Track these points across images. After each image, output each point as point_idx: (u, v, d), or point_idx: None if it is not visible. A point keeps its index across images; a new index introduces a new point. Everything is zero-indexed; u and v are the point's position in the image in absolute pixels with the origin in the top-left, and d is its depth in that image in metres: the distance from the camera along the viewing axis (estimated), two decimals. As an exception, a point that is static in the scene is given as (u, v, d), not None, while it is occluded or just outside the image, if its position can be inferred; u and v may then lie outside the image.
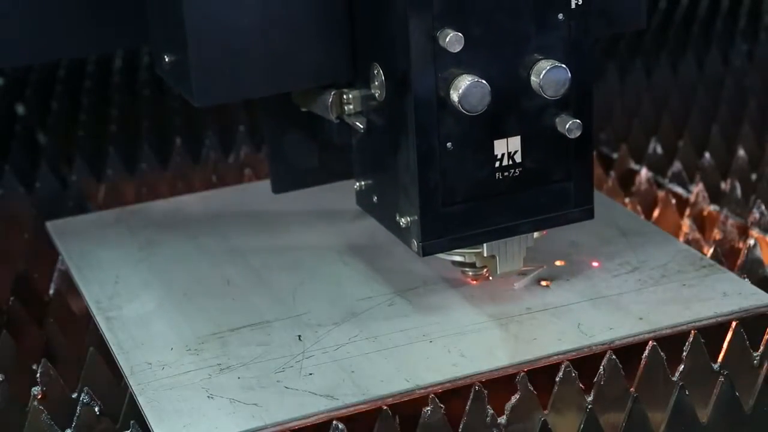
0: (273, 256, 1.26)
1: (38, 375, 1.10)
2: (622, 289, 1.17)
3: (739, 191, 1.38)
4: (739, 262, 1.25)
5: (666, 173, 1.46)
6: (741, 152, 1.46)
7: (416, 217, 1.07)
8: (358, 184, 1.17)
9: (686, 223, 1.32)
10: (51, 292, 1.25)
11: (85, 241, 1.31)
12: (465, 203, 1.08)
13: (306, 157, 1.23)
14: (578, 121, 1.06)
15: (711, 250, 1.25)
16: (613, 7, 1.16)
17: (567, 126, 1.06)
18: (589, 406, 1.03)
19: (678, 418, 1.04)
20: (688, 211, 1.37)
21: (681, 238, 1.30)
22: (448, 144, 1.05)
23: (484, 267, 1.16)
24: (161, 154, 1.54)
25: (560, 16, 1.05)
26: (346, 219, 1.32)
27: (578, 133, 1.07)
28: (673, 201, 1.37)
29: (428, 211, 1.06)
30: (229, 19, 1.05)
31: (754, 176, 1.45)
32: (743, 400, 1.06)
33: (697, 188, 1.39)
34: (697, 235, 1.30)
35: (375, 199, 1.14)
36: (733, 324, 1.11)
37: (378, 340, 1.11)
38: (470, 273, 1.17)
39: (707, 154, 1.47)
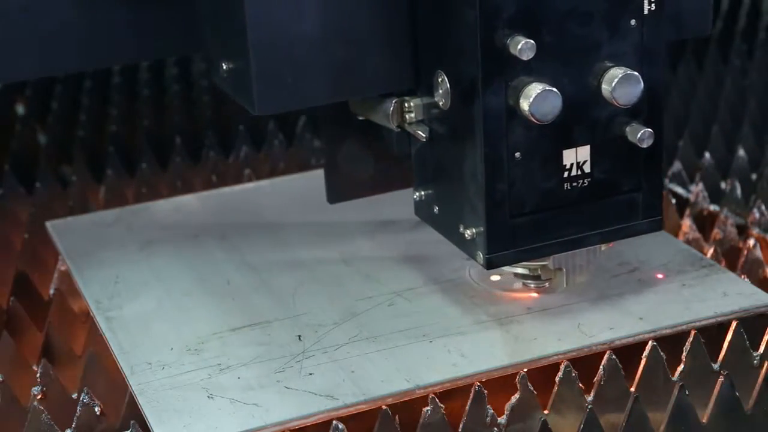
0: (273, 256, 1.26)
1: (38, 375, 1.10)
2: (622, 289, 1.17)
3: (739, 191, 1.38)
4: (739, 262, 1.25)
5: (666, 173, 1.46)
6: (741, 152, 1.46)
7: (482, 229, 1.05)
8: (417, 194, 1.15)
9: (686, 223, 1.32)
10: (51, 292, 1.25)
11: (85, 241, 1.31)
12: (532, 214, 1.06)
13: (362, 167, 1.21)
14: (650, 130, 1.04)
15: (711, 250, 1.25)
16: (681, 13, 1.14)
17: (639, 135, 1.04)
18: (589, 406, 1.03)
19: (678, 418, 1.04)
20: (688, 211, 1.37)
21: (681, 238, 1.30)
22: (516, 154, 1.03)
23: (548, 279, 1.14)
24: (161, 154, 1.54)
25: (633, 22, 1.03)
26: (346, 218, 1.32)
27: (650, 143, 1.04)
28: (673, 201, 1.37)
29: (495, 223, 1.04)
30: (291, 26, 1.04)
31: (754, 176, 1.45)
32: (743, 400, 1.06)
33: (697, 188, 1.39)
34: (697, 235, 1.30)
35: (436, 209, 1.12)
36: (733, 324, 1.11)
37: (378, 340, 1.11)
38: (533, 285, 1.16)
39: (707, 154, 1.47)
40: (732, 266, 1.24)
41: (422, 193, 1.14)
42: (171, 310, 1.18)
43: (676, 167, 1.45)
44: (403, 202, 1.32)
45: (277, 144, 1.56)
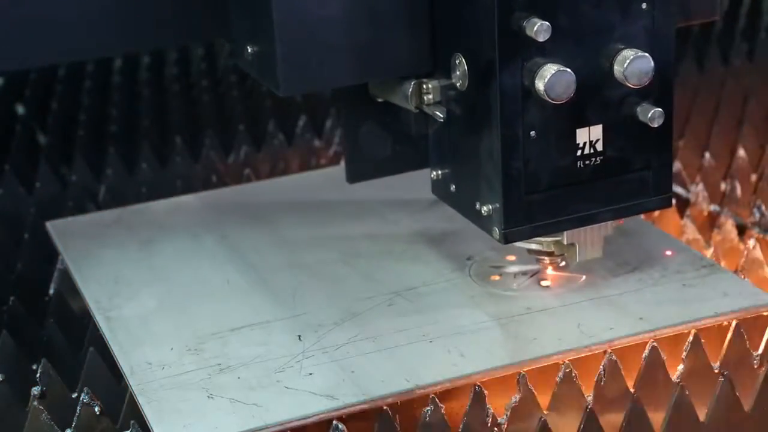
0: (273, 256, 1.26)
1: (38, 375, 1.10)
2: (622, 289, 1.17)
3: (739, 191, 1.38)
4: (739, 262, 1.25)
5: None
6: (741, 152, 1.46)
7: (498, 205, 1.07)
8: (434, 173, 1.17)
9: (686, 223, 1.32)
10: (51, 292, 1.25)
11: (85, 241, 1.31)
12: (547, 191, 1.08)
13: (380, 148, 1.23)
14: (660, 109, 1.07)
15: (711, 250, 1.25)
16: None
17: (649, 115, 1.07)
18: (589, 406, 1.03)
19: (678, 418, 1.04)
20: (688, 211, 1.37)
21: (681, 238, 1.30)
22: (532, 133, 1.05)
23: (561, 255, 1.16)
24: (161, 154, 1.54)
25: (644, 5, 1.06)
26: (346, 218, 1.32)
27: (661, 122, 1.07)
28: (673, 201, 1.37)
29: (511, 199, 1.07)
30: (315, 9, 1.07)
31: (754, 176, 1.45)
32: (743, 400, 1.06)
33: (697, 188, 1.39)
34: (697, 235, 1.30)
35: (452, 188, 1.15)
36: (733, 324, 1.11)
37: (378, 340, 1.11)
38: (547, 260, 1.18)
39: (707, 154, 1.47)
40: (732, 266, 1.24)
41: (439, 172, 1.17)
42: (171, 310, 1.18)
43: (676, 167, 1.45)
44: (403, 202, 1.32)
45: (277, 144, 1.56)
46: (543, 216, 1.09)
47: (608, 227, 1.14)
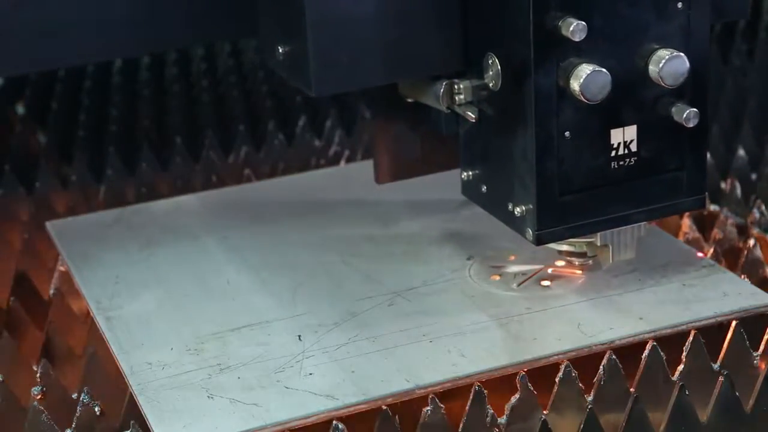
0: (273, 256, 1.26)
1: (38, 375, 1.10)
2: (622, 289, 1.17)
3: (739, 191, 1.38)
4: (739, 262, 1.25)
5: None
6: (741, 152, 1.46)
7: (532, 206, 1.07)
8: (465, 174, 1.17)
9: (686, 223, 1.32)
10: (51, 292, 1.25)
11: (85, 241, 1.31)
12: (581, 192, 1.08)
13: (410, 148, 1.23)
14: (696, 110, 1.07)
15: (711, 250, 1.25)
16: None
17: (685, 115, 1.06)
18: (589, 406, 1.03)
19: (678, 418, 1.04)
20: (688, 211, 1.37)
21: (681, 238, 1.30)
22: (566, 133, 1.05)
23: (593, 256, 1.16)
24: (161, 154, 1.54)
25: (679, 4, 1.06)
26: (346, 218, 1.32)
27: (696, 122, 1.07)
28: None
29: (545, 200, 1.06)
30: (348, 8, 1.06)
31: (754, 176, 1.45)
32: (743, 400, 1.06)
33: (697, 188, 1.39)
34: (697, 235, 1.30)
35: (484, 189, 1.14)
36: (733, 324, 1.11)
37: (378, 340, 1.11)
38: (577, 262, 1.17)
39: (707, 154, 1.47)
40: (732, 266, 1.24)
41: (470, 173, 1.16)
42: (171, 310, 1.18)
43: (676, 167, 1.45)
44: (403, 202, 1.32)
45: (277, 144, 1.56)
46: (577, 217, 1.08)
47: (641, 228, 1.14)
